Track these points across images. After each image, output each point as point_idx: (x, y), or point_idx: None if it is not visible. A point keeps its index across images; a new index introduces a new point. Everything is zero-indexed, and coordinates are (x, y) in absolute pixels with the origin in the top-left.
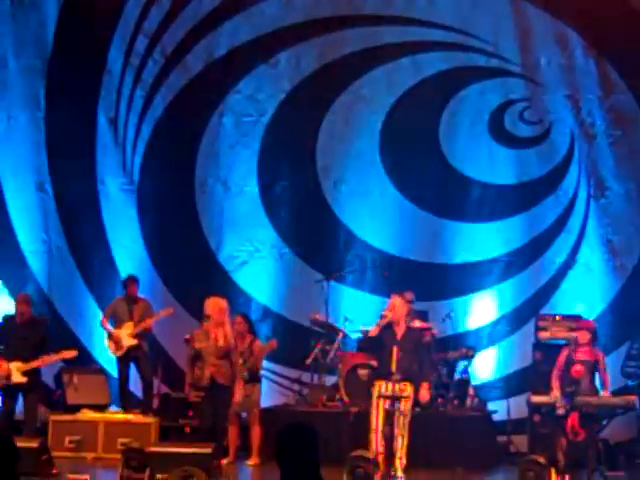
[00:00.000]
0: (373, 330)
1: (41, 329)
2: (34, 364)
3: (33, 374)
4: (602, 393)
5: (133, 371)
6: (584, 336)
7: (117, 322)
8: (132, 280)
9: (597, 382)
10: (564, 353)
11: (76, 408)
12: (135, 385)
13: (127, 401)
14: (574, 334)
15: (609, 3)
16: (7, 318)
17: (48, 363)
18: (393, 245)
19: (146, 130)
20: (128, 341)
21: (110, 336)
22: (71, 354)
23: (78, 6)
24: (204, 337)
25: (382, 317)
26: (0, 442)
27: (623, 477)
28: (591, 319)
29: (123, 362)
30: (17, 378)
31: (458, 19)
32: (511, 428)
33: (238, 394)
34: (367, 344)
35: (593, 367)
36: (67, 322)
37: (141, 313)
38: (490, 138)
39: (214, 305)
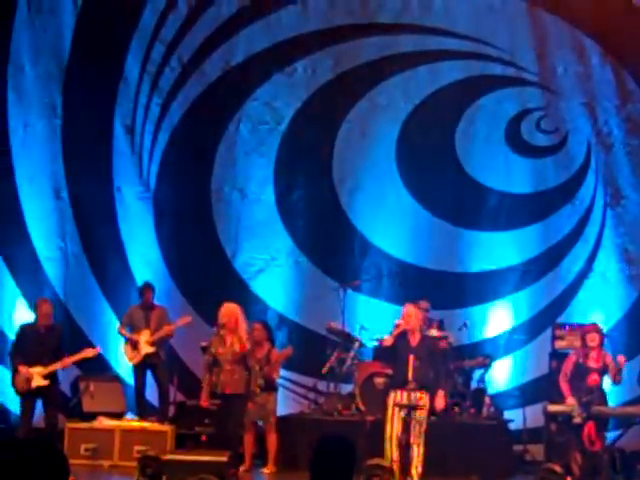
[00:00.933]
0: (388, 340)
1: (57, 334)
2: (55, 366)
3: (53, 381)
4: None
5: (149, 379)
6: (594, 338)
7: (134, 329)
8: (148, 287)
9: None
10: (572, 359)
11: (92, 416)
12: (151, 393)
13: (143, 409)
14: (585, 338)
15: (625, 11)
16: (24, 327)
17: (69, 364)
18: (409, 253)
19: (162, 138)
20: (145, 348)
21: (127, 343)
22: (93, 352)
23: (95, 14)
24: (220, 344)
25: (397, 326)
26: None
27: None
28: (605, 328)
29: (140, 370)
30: (38, 382)
31: (474, 28)
32: (527, 437)
33: (251, 403)
34: (382, 353)
35: (604, 373)
36: (83, 329)
37: (158, 320)
38: (507, 147)
39: (226, 311)
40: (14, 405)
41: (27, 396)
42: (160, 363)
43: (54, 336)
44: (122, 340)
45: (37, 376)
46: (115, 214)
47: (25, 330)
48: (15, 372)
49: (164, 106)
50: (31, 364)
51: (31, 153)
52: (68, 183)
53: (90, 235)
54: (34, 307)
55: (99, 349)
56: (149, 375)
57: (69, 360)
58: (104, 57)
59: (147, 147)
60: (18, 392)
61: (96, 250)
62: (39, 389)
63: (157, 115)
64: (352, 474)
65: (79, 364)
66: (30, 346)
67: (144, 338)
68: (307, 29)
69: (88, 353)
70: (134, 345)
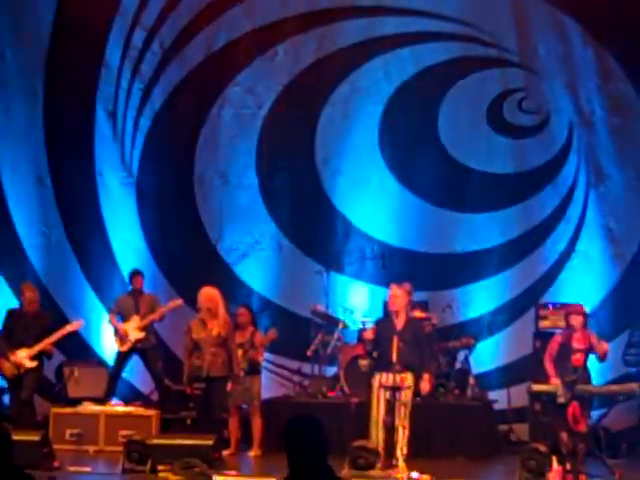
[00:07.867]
0: (368, 333)
1: (44, 322)
2: (39, 347)
3: (41, 364)
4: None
5: (138, 366)
6: (577, 320)
7: (124, 318)
8: (137, 274)
9: (590, 371)
10: (557, 339)
11: (77, 401)
12: (138, 378)
13: (112, 392)
14: (569, 319)
15: None
16: (11, 312)
17: (52, 342)
18: (392, 235)
19: (145, 123)
20: (135, 334)
21: (117, 332)
22: (74, 326)
23: None
24: (201, 327)
25: (376, 322)
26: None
27: (624, 465)
28: (589, 307)
29: (124, 355)
30: (27, 364)
31: (456, 9)
32: (512, 417)
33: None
34: (365, 343)
35: (588, 354)
36: (66, 315)
37: (147, 306)
38: (489, 128)
39: (203, 295)
40: None
41: (16, 382)
42: (150, 348)
43: (40, 323)
44: (112, 329)
45: (24, 359)
46: (98, 199)
47: (11, 315)
48: (2, 358)
49: (146, 91)
50: (15, 349)
51: (13, 139)
52: (50, 169)
53: (73, 221)
54: (18, 292)
55: (81, 322)
56: (139, 361)
57: (51, 339)
58: (85, 42)
59: (129, 132)
60: (6, 379)
61: (79, 236)
62: (30, 370)
63: (139, 100)
64: (326, 450)
65: (64, 350)
66: (15, 331)
67: (133, 324)
68: (289, 13)
69: (69, 328)
70: (124, 332)
